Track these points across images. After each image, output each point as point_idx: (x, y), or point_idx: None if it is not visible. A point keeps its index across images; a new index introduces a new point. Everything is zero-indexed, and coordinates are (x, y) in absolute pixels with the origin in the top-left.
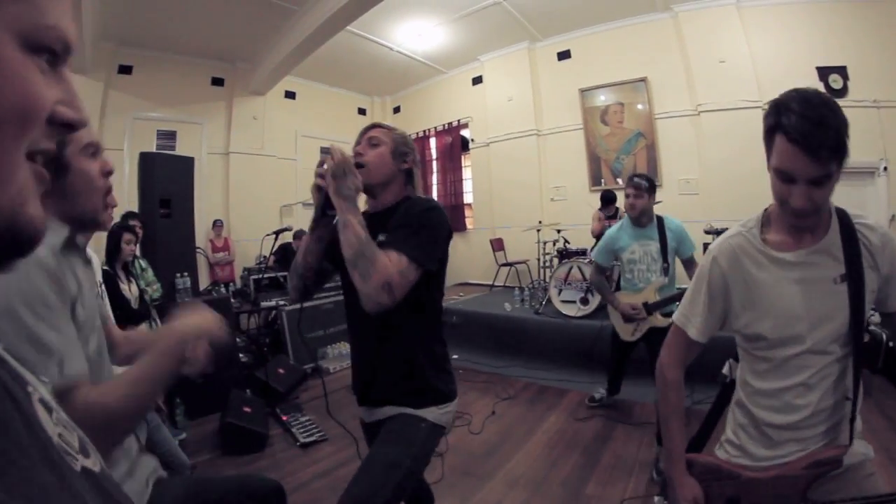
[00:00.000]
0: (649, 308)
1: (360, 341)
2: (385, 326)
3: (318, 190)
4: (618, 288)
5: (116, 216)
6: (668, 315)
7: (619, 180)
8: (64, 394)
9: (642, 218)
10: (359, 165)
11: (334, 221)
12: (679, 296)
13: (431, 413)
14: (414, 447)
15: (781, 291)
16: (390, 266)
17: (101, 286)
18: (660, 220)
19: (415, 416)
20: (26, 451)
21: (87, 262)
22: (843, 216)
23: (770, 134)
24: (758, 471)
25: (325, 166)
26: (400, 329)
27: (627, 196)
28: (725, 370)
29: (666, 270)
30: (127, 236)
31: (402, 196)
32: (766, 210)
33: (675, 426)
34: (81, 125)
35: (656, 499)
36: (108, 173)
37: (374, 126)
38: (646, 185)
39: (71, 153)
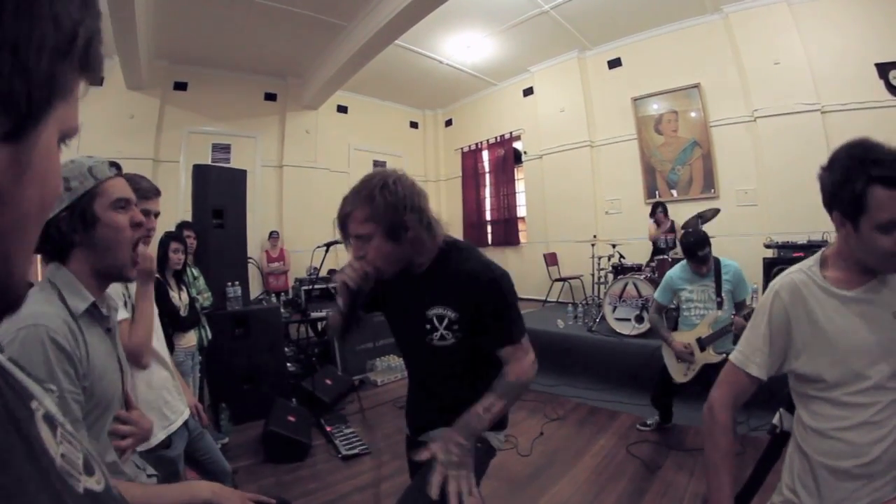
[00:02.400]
0: (702, 343)
1: (415, 384)
2: (454, 374)
3: (345, 290)
4: (675, 328)
5: (171, 226)
6: (721, 352)
7: (674, 192)
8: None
9: (704, 269)
10: (367, 282)
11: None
12: (730, 328)
13: (489, 436)
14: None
15: (845, 327)
16: (529, 363)
17: (120, 307)
18: (717, 262)
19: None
20: (25, 485)
21: (108, 330)
22: None
23: (858, 197)
24: None
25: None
26: (465, 374)
27: (698, 266)
28: (776, 420)
29: (720, 305)
30: (174, 245)
31: (435, 249)
32: (822, 252)
33: (724, 475)
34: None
35: None
36: (136, 224)
37: (345, 217)
38: (710, 252)
39: (100, 207)
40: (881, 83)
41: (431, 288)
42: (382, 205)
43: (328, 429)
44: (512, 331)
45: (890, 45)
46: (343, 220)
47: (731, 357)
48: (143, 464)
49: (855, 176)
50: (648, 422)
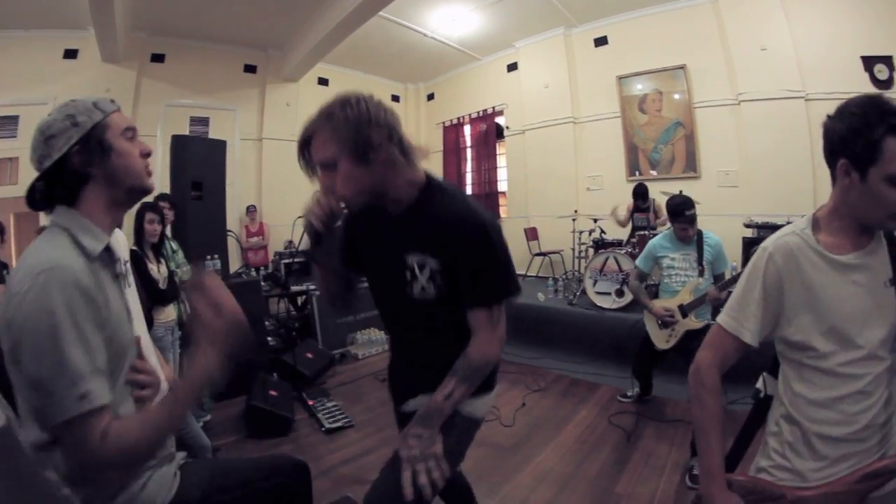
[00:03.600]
0: (684, 309)
1: (395, 346)
2: (434, 336)
3: (310, 230)
4: (655, 297)
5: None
6: (703, 320)
7: (655, 171)
8: (84, 422)
9: (690, 232)
10: (333, 220)
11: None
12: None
13: (467, 405)
14: (449, 438)
15: (839, 294)
16: (495, 339)
17: (125, 264)
18: (699, 234)
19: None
20: None
21: (116, 276)
22: None
23: (874, 143)
24: (806, 490)
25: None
26: (450, 333)
27: (684, 228)
28: (759, 384)
29: (701, 273)
30: (149, 215)
31: (415, 186)
32: (814, 214)
33: (714, 436)
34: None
35: None
36: (146, 154)
37: (305, 143)
38: (695, 214)
39: (111, 136)
40: (866, 76)
41: (411, 231)
42: (343, 120)
43: (310, 402)
44: (490, 290)
45: (877, 39)
46: (303, 148)
47: (720, 321)
48: None
49: (874, 122)
50: (629, 393)
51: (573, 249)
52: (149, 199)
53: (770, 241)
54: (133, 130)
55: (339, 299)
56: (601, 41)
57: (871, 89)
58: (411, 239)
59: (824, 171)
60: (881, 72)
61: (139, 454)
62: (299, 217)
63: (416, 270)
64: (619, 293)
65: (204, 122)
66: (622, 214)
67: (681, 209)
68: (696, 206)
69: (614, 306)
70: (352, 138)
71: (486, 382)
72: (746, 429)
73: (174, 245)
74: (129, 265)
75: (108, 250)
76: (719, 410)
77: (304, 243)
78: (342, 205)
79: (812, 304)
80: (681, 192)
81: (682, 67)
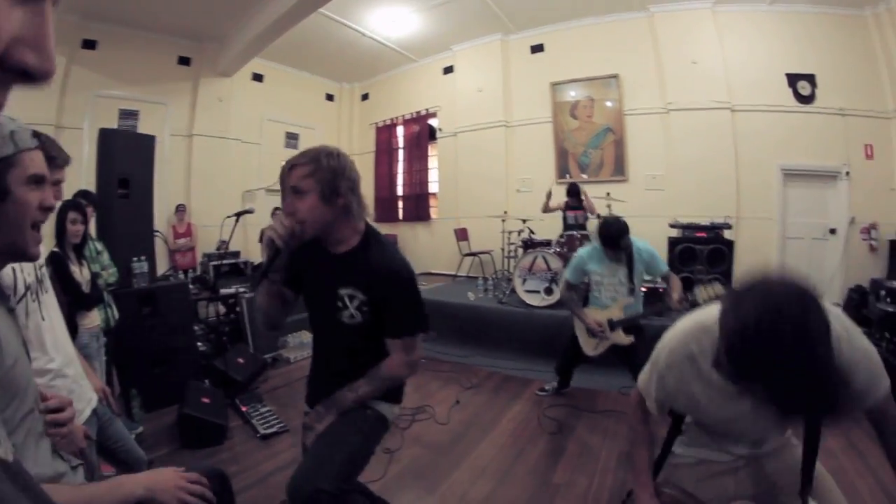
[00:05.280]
0: (613, 324)
1: (318, 360)
2: (356, 352)
3: (270, 245)
4: (586, 304)
5: (70, 194)
6: (630, 332)
7: (585, 175)
8: None
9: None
10: (294, 239)
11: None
12: (642, 316)
13: (379, 405)
14: (363, 429)
15: (721, 405)
16: (404, 363)
17: (39, 269)
18: (629, 248)
19: (363, 406)
20: None
21: (10, 310)
22: None
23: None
24: None
25: (277, 231)
26: (368, 354)
27: (615, 253)
28: None
29: (632, 291)
30: (72, 215)
31: (355, 234)
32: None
33: (640, 453)
34: (43, 76)
35: None
36: (46, 208)
37: (291, 167)
38: (630, 241)
39: (14, 179)
40: (790, 91)
41: (348, 270)
42: (325, 166)
43: (244, 409)
44: (405, 326)
45: (799, 58)
46: (286, 171)
47: (638, 378)
48: (68, 456)
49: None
50: (546, 387)
51: (503, 249)
52: (69, 196)
53: (675, 341)
54: (42, 178)
55: (274, 320)
56: (538, 48)
57: (792, 103)
58: (346, 276)
59: (746, 177)
60: (804, 88)
61: None
62: (228, 216)
63: (347, 301)
64: (548, 291)
65: (133, 115)
66: (553, 203)
67: (615, 241)
68: (623, 203)
69: (543, 304)
70: (326, 180)
71: (395, 395)
72: (669, 437)
73: (98, 246)
74: (44, 270)
75: None
76: (647, 434)
77: (261, 257)
78: (299, 228)
79: (695, 405)
80: (617, 218)
81: (616, 76)
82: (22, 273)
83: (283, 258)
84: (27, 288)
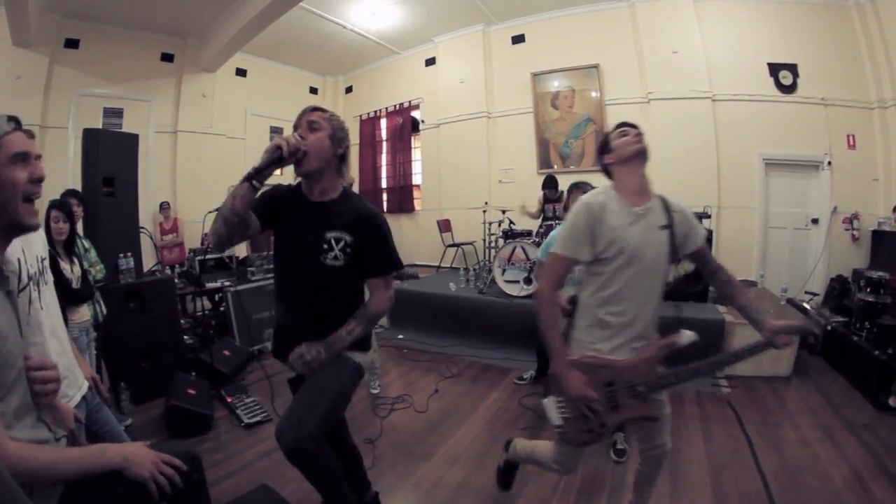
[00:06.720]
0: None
1: (294, 307)
2: (335, 294)
3: (275, 150)
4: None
5: (57, 194)
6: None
7: (568, 164)
8: None
9: None
10: (293, 155)
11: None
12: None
13: (355, 356)
14: (342, 377)
15: (630, 230)
16: (387, 298)
17: (41, 262)
18: None
19: (340, 356)
20: None
21: (9, 292)
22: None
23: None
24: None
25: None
26: (347, 294)
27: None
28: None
29: None
30: (54, 214)
31: (338, 187)
32: (613, 185)
33: (554, 332)
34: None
35: (545, 400)
36: (36, 180)
37: (314, 109)
38: None
39: None
40: (771, 80)
41: (334, 215)
42: (338, 120)
43: (229, 399)
44: (386, 264)
45: (784, 48)
46: (305, 111)
47: (557, 251)
48: (55, 428)
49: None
50: (524, 376)
51: (484, 240)
52: (55, 196)
53: (588, 197)
54: (26, 155)
55: (225, 238)
56: (518, 39)
57: (773, 92)
58: (333, 220)
59: (728, 167)
60: (785, 77)
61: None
62: (210, 211)
63: (333, 243)
64: (527, 281)
65: (118, 113)
66: (533, 207)
67: (553, 182)
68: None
69: (522, 293)
70: (337, 127)
71: (364, 344)
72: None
73: (86, 244)
74: (45, 263)
75: None
76: (558, 315)
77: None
78: (303, 153)
79: (610, 234)
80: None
81: (596, 67)
82: (26, 264)
83: (273, 168)
84: (30, 278)
